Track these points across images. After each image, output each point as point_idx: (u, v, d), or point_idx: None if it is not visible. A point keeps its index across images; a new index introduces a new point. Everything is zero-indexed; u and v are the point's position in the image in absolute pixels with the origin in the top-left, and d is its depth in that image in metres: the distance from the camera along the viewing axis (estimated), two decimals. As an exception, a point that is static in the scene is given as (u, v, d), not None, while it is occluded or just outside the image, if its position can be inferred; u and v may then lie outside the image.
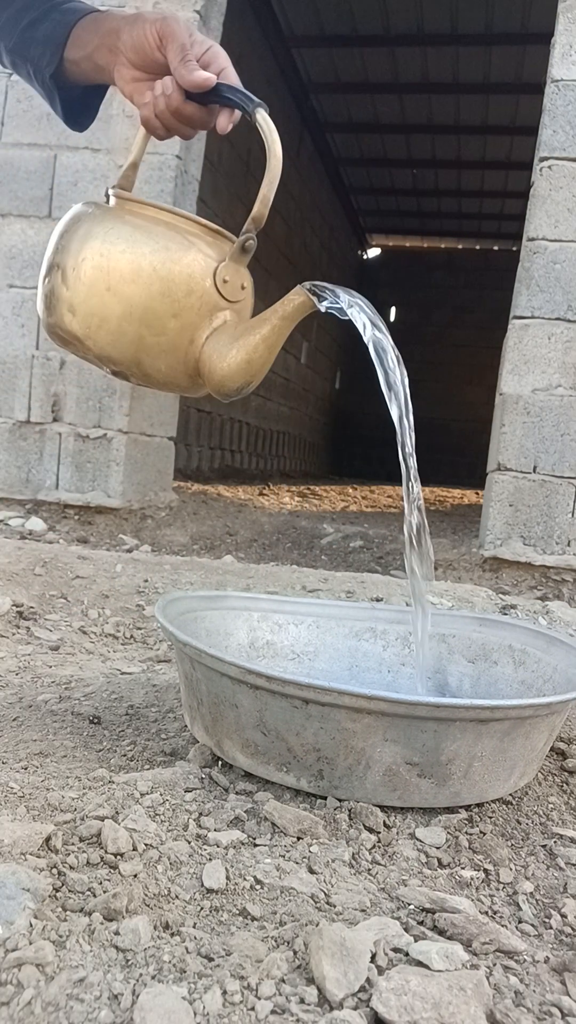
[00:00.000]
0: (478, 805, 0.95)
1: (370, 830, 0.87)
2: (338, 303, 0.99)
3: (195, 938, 0.66)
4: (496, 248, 12.92)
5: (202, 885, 0.74)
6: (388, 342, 1.01)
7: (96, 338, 1.00)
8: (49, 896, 0.69)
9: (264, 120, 0.96)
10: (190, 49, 0.97)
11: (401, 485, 1.05)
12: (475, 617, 1.34)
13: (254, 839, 0.83)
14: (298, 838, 0.84)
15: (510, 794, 0.99)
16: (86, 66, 1.06)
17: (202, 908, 0.71)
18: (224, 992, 0.59)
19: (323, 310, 0.99)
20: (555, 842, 0.90)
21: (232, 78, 0.99)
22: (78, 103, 1.14)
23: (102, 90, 1.15)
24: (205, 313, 1.00)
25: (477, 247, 13.17)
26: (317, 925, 0.67)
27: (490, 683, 1.25)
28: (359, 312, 0.99)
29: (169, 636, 1.00)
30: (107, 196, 1.07)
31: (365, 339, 1.00)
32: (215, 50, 0.99)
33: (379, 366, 1.00)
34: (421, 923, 0.72)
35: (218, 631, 1.25)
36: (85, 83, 1.10)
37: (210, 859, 0.78)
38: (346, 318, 1.00)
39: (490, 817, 0.94)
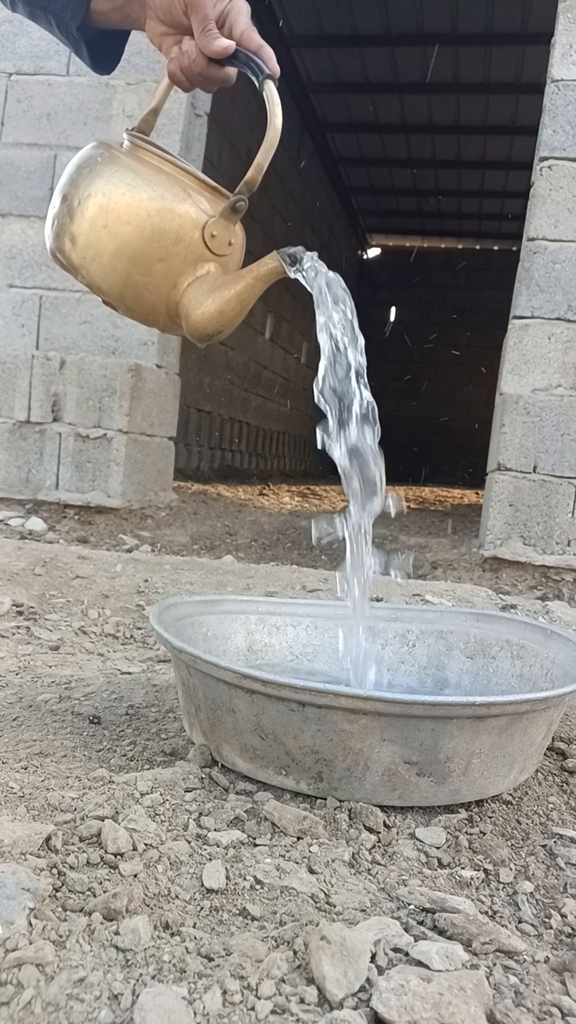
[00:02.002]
0: (478, 804, 0.95)
1: (370, 830, 0.87)
2: (302, 273, 1.06)
3: (195, 938, 0.66)
4: (496, 248, 12.91)
5: (202, 885, 0.74)
6: (346, 320, 1.07)
7: (89, 268, 1.08)
8: (49, 896, 0.69)
9: (270, 92, 1.01)
10: (212, 19, 1.02)
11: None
12: (473, 613, 1.34)
13: (254, 839, 0.83)
14: (298, 838, 0.84)
15: (510, 794, 0.99)
16: (115, 16, 1.11)
17: (202, 908, 0.71)
18: (224, 992, 0.59)
19: (291, 276, 1.06)
20: (555, 842, 0.90)
21: (251, 40, 1.04)
22: (102, 48, 1.18)
23: (125, 33, 1.19)
24: (190, 262, 1.08)
25: (477, 247, 13.16)
26: (317, 925, 0.67)
27: (489, 678, 1.25)
28: (316, 280, 1.06)
29: (165, 643, 1.00)
30: (126, 137, 1.14)
31: (318, 323, 1.07)
32: (237, 8, 1.04)
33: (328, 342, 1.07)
34: (421, 923, 0.72)
35: (215, 635, 1.25)
36: (111, 28, 1.14)
37: (210, 859, 0.78)
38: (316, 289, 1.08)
39: (490, 817, 0.94)
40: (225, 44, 1.02)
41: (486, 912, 0.76)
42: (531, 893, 0.80)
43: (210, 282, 1.08)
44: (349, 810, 0.89)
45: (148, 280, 1.08)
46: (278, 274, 1.07)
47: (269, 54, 1.03)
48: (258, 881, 0.76)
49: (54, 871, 0.73)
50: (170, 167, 1.09)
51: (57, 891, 0.70)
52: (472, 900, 0.77)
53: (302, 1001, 0.59)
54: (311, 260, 1.06)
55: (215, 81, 1.08)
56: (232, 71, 1.07)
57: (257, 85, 1.03)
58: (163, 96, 1.18)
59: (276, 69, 1.03)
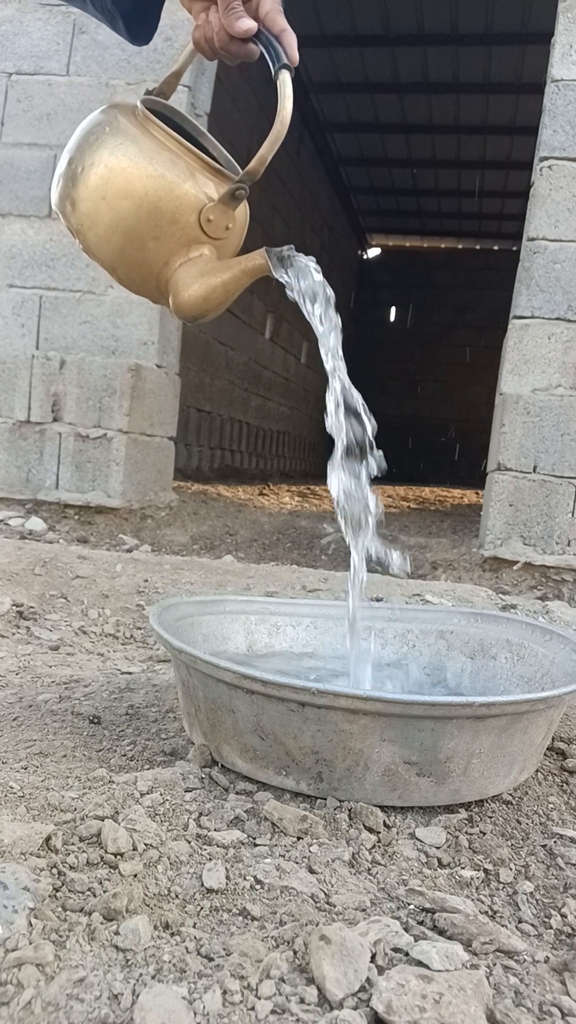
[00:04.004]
0: (478, 804, 0.95)
1: (370, 830, 0.87)
2: (286, 279, 1.07)
3: (195, 938, 0.66)
4: (496, 248, 12.90)
5: (202, 885, 0.74)
6: (330, 330, 1.08)
7: (86, 235, 1.10)
8: (49, 896, 0.69)
9: (284, 82, 1.01)
10: None
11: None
12: (473, 613, 1.34)
13: (254, 839, 0.83)
14: (298, 838, 0.84)
15: (510, 794, 0.99)
16: None
17: (202, 908, 0.71)
18: (224, 992, 0.59)
19: (275, 276, 1.07)
20: (555, 842, 0.90)
21: (274, 23, 1.03)
22: (137, 19, 1.17)
23: (159, 2, 1.19)
24: (184, 243, 1.09)
25: (477, 247, 13.16)
26: (317, 925, 0.67)
27: (489, 678, 1.25)
28: (299, 284, 1.07)
29: (164, 643, 1.00)
30: (139, 105, 1.13)
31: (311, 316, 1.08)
32: None
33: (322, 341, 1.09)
34: (421, 923, 0.72)
35: (215, 636, 1.25)
36: None
37: (210, 859, 0.78)
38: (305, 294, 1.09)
39: (490, 817, 0.94)
40: (247, 26, 1.02)
41: (486, 912, 0.76)
42: (531, 893, 0.80)
43: (201, 266, 1.09)
44: (349, 810, 0.89)
45: (141, 256, 1.09)
46: (263, 271, 1.08)
47: (290, 40, 1.02)
48: (258, 881, 0.75)
49: (54, 871, 0.73)
50: (176, 145, 1.09)
51: (57, 891, 0.70)
52: (472, 900, 0.77)
53: (302, 1001, 0.59)
54: (298, 261, 1.07)
55: (237, 56, 1.08)
56: (255, 48, 1.06)
57: (272, 72, 1.02)
58: (186, 60, 1.17)
59: (295, 57, 1.02)
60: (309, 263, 1.07)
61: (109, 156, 1.06)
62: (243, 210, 1.13)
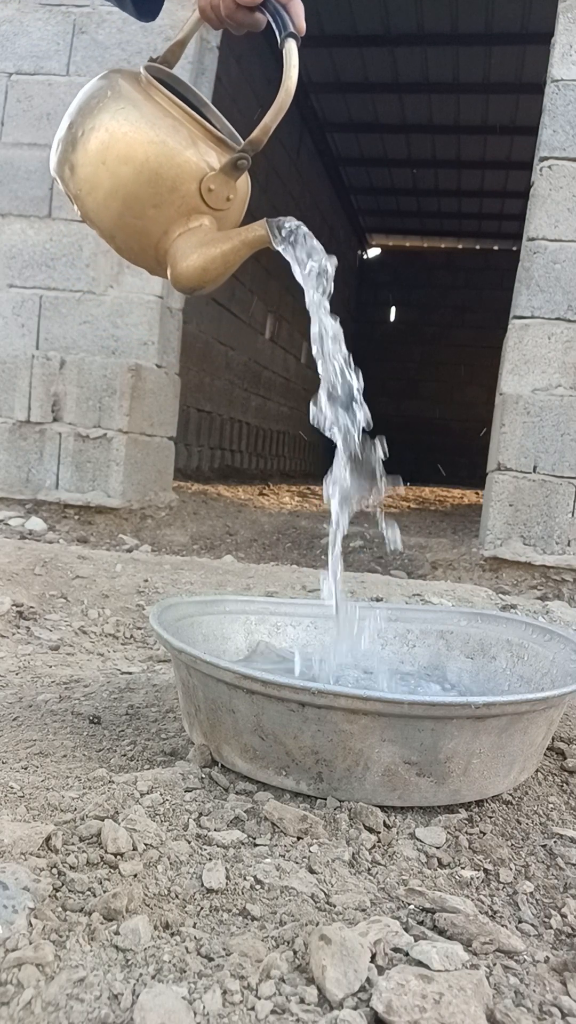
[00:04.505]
0: (478, 804, 0.95)
1: (370, 830, 0.87)
2: (287, 249, 1.06)
3: (195, 938, 0.66)
4: (496, 248, 12.90)
5: (202, 885, 0.74)
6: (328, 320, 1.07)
7: (85, 201, 1.08)
8: (49, 896, 0.69)
9: (290, 51, 1.00)
10: None
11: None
12: (473, 613, 1.34)
13: (254, 839, 0.83)
14: (298, 838, 0.84)
15: (510, 794, 0.99)
16: None
17: (202, 908, 0.71)
18: (224, 992, 0.59)
19: (276, 247, 1.06)
20: (555, 842, 0.90)
21: None
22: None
23: None
24: (184, 212, 1.07)
25: (477, 247, 13.15)
26: (317, 925, 0.67)
27: (489, 678, 1.25)
28: (298, 250, 1.06)
29: (164, 643, 1.00)
30: (143, 71, 1.11)
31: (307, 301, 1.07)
32: None
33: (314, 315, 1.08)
34: (421, 923, 0.71)
35: (215, 636, 1.25)
36: None
37: (210, 859, 0.78)
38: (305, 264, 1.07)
39: (490, 817, 0.94)
40: None
41: (486, 912, 0.76)
42: (531, 893, 0.80)
43: (200, 236, 1.07)
44: (349, 810, 0.89)
45: (140, 223, 1.07)
46: (264, 243, 1.06)
47: (298, 9, 1.01)
48: (258, 881, 0.75)
49: (54, 871, 0.73)
50: (179, 112, 1.07)
51: (57, 891, 0.70)
52: (472, 900, 0.77)
53: (302, 1001, 0.59)
54: (296, 229, 1.05)
55: (243, 25, 1.06)
56: (262, 17, 1.05)
57: (279, 41, 1.00)
58: (191, 29, 1.15)
59: (302, 26, 1.00)
60: (306, 234, 1.05)
61: (110, 120, 1.04)
62: (245, 181, 1.11)
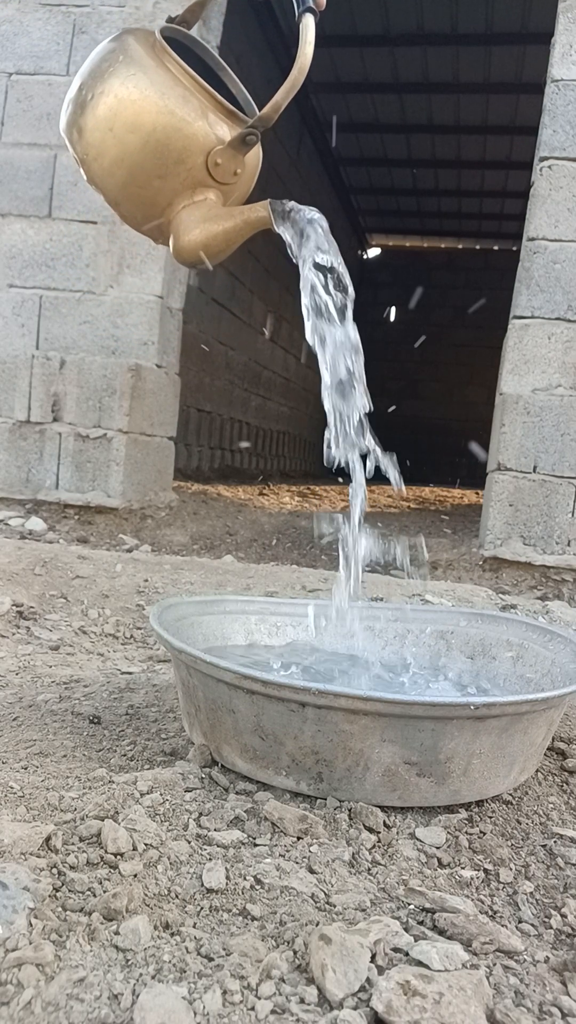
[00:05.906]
0: (478, 804, 0.95)
1: (370, 830, 0.87)
2: (286, 232, 1.04)
3: (195, 938, 0.66)
4: (496, 248, 12.90)
5: (202, 885, 0.74)
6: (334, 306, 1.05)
7: (91, 166, 1.07)
8: (49, 896, 0.69)
9: (307, 25, 0.99)
10: None
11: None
12: (473, 613, 1.34)
13: (254, 839, 0.83)
14: (298, 838, 0.84)
15: (510, 794, 0.99)
16: None
17: (202, 908, 0.71)
18: (224, 992, 0.59)
19: (276, 229, 1.05)
20: (555, 842, 0.90)
21: None
22: None
23: None
24: (189, 185, 1.06)
25: (477, 247, 13.15)
26: (317, 925, 0.67)
27: (489, 679, 1.25)
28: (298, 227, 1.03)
29: (164, 643, 1.00)
30: (158, 34, 1.10)
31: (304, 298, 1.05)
32: None
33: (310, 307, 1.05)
34: (421, 923, 0.71)
35: (215, 636, 1.25)
36: None
37: (210, 859, 0.78)
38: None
39: (490, 817, 0.94)
40: None
41: (486, 912, 0.76)
42: (531, 893, 0.80)
43: (204, 210, 1.06)
44: (349, 810, 0.89)
45: (144, 193, 1.06)
46: (265, 224, 1.06)
47: None
48: (258, 881, 0.75)
49: (54, 871, 0.73)
50: (190, 81, 1.05)
51: (57, 891, 0.70)
52: (472, 900, 0.77)
53: (302, 1001, 0.59)
54: (302, 216, 1.03)
55: None
56: None
57: (296, 13, 0.99)
58: None
59: (321, 1, 0.98)
60: (314, 216, 1.04)
61: (120, 86, 1.03)
62: (255, 156, 1.09)
